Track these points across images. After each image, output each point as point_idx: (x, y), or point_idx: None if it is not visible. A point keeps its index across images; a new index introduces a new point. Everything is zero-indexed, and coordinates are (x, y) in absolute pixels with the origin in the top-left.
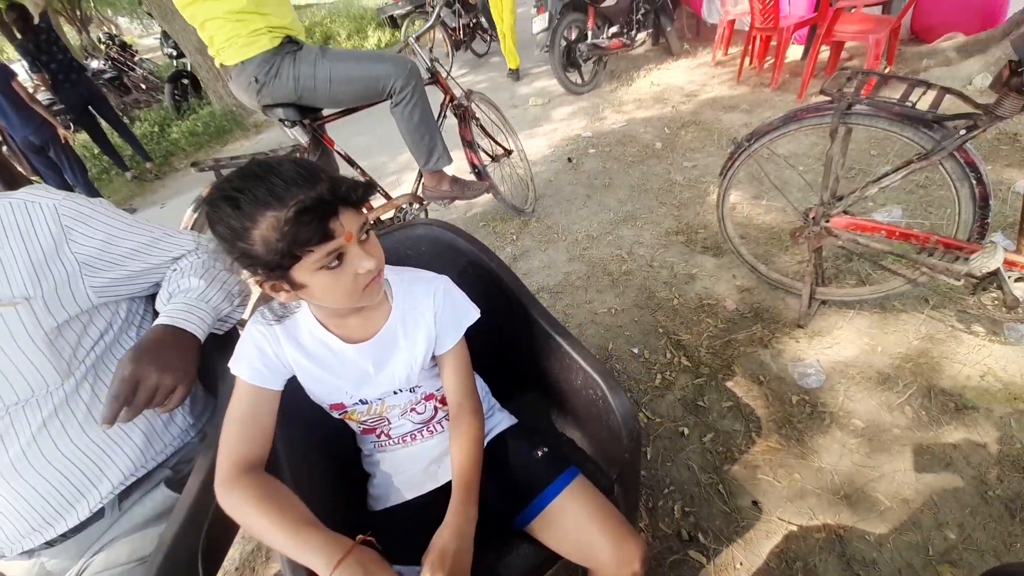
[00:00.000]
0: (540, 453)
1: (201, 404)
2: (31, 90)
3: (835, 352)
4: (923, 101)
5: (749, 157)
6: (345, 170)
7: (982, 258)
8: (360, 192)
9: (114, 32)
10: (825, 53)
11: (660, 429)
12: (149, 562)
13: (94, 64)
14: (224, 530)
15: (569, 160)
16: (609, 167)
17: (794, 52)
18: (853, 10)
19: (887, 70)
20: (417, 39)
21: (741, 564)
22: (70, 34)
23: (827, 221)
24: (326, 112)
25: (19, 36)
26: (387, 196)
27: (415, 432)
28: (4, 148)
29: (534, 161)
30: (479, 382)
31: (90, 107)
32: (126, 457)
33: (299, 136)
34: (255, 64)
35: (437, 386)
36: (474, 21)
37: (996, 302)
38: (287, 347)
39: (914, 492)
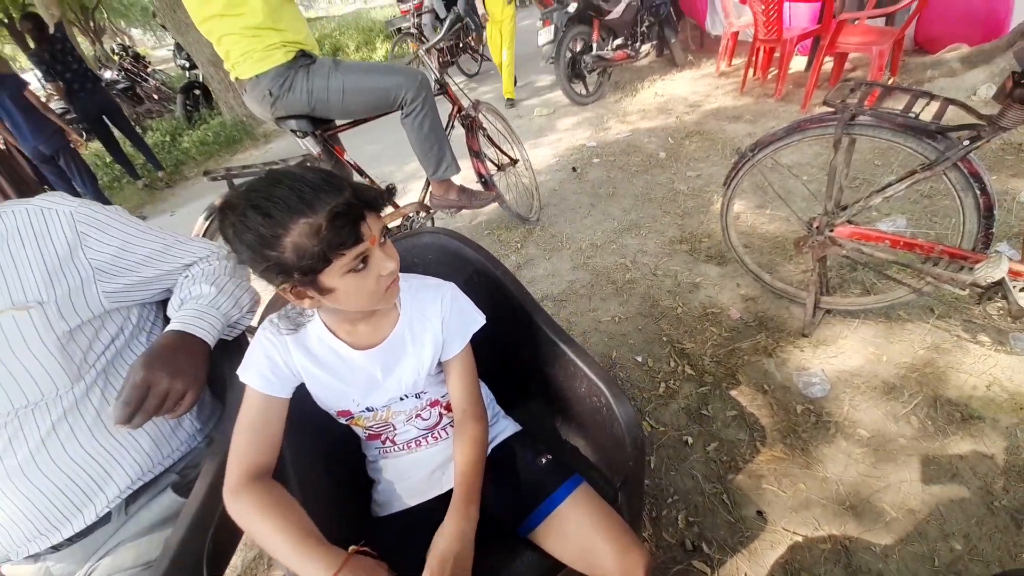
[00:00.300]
0: (544, 460)
1: (209, 409)
2: (44, 99)
3: (840, 361)
4: (927, 112)
5: (753, 167)
6: (355, 179)
7: (987, 268)
8: (382, 197)
9: (127, 43)
10: (829, 64)
11: (664, 438)
12: (155, 567)
13: (107, 74)
14: (229, 535)
15: (574, 169)
16: (613, 176)
17: (798, 63)
18: (856, 22)
19: (891, 81)
20: (427, 51)
21: (746, 575)
22: (84, 45)
23: (831, 231)
24: (337, 123)
25: (33, 45)
26: (395, 204)
27: (420, 438)
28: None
29: (539, 170)
30: (484, 389)
31: (104, 116)
32: (133, 461)
33: (311, 146)
34: (269, 78)
35: (442, 392)
36: (463, 41)
37: (1001, 312)
38: (296, 355)
39: (920, 503)
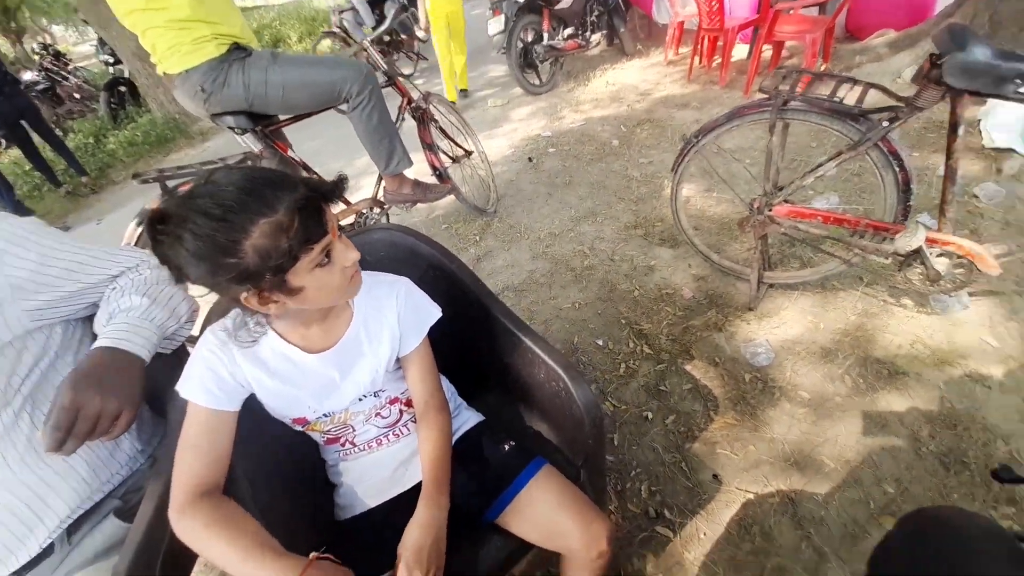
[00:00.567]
0: (507, 447)
1: (149, 428)
2: None
3: (782, 331)
4: (851, 96)
5: (698, 153)
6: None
7: (906, 237)
8: (337, 188)
9: (48, 41)
10: (769, 52)
11: (626, 415)
12: None
13: (27, 76)
14: (182, 559)
15: (530, 160)
16: (569, 165)
17: (740, 51)
18: (791, 11)
19: (823, 67)
20: (372, 42)
21: (705, 534)
22: (4, 46)
23: (770, 210)
24: (280, 118)
25: None
26: (346, 201)
27: (380, 437)
28: None
29: (495, 161)
30: (445, 383)
31: (22, 121)
32: (71, 489)
33: (251, 143)
34: (201, 72)
35: (402, 389)
36: (401, 38)
37: (921, 277)
38: (245, 366)
39: (855, 453)
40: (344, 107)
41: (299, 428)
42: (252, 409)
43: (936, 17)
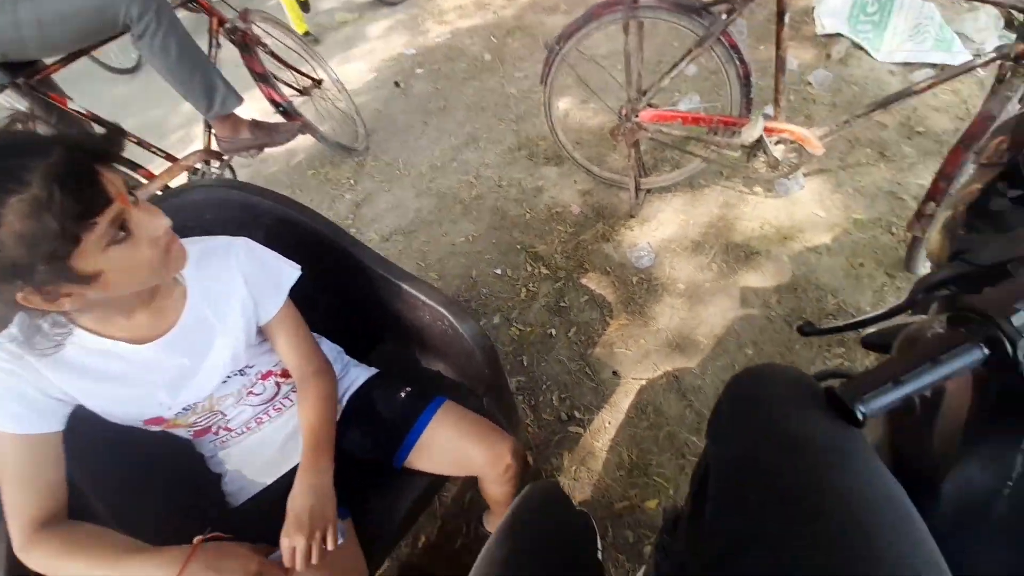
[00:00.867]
0: (403, 394)
1: None
2: None
3: (660, 232)
4: None
5: (564, 62)
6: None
7: (748, 129)
8: (112, 142)
9: None
10: None
11: (532, 336)
12: None
13: None
14: None
15: (396, 84)
16: (442, 88)
17: None
18: None
19: None
20: None
21: (609, 423)
22: None
23: (636, 116)
24: (47, 62)
25: None
26: (170, 158)
27: (259, 416)
28: None
29: (357, 90)
30: (327, 344)
31: None
32: None
33: (14, 102)
34: None
35: (274, 361)
36: None
37: (764, 164)
38: (55, 376)
39: (722, 328)
40: (129, 38)
41: (156, 429)
42: (87, 421)
43: None
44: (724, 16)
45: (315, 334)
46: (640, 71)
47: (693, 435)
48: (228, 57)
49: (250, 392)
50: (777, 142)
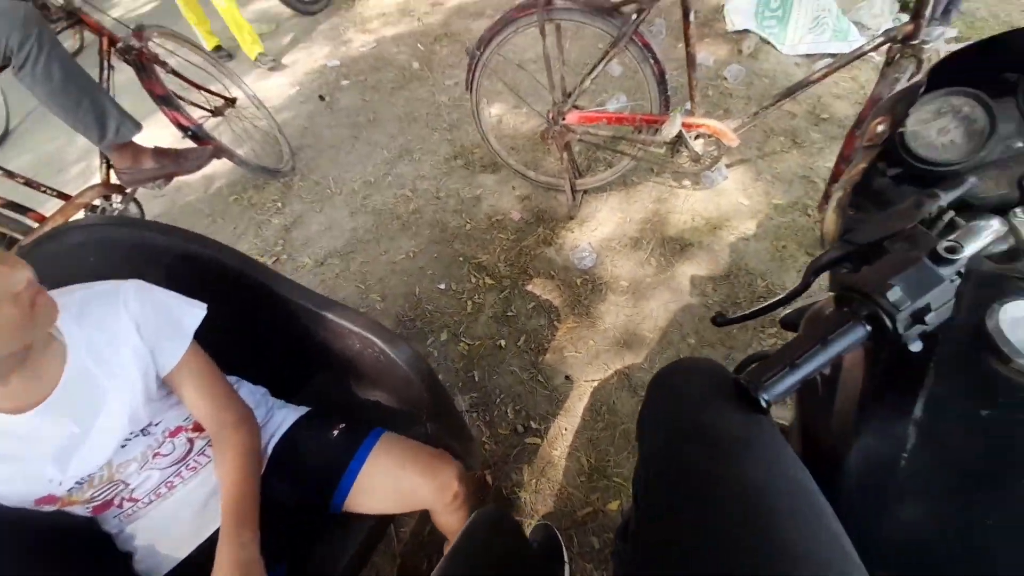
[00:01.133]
0: (336, 432)
1: None
2: None
3: (600, 232)
4: None
5: (486, 67)
6: None
7: (667, 126)
8: None
9: None
10: None
11: (481, 350)
12: None
13: None
14: None
15: (321, 98)
16: (370, 100)
17: None
18: None
19: None
20: None
21: (566, 429)
22: None
23: (563, 119)
24: None
25: None
26: (63, 196)
27: (169, 480)
28: None
29: (279, 106)
30: (247, 388)
31: None
32: None
33: None
34: None
35: (183, 415)
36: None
37: (688, 159)
38: None
39: (665, 321)
40: (9, 71)
41: (48, 509)
42: None
43: None
44: (635, 16)
45: (233, 378)
46: (563, 74)
47: None
48: (127, 80)
49: (157, 454)
50: (696, 136)
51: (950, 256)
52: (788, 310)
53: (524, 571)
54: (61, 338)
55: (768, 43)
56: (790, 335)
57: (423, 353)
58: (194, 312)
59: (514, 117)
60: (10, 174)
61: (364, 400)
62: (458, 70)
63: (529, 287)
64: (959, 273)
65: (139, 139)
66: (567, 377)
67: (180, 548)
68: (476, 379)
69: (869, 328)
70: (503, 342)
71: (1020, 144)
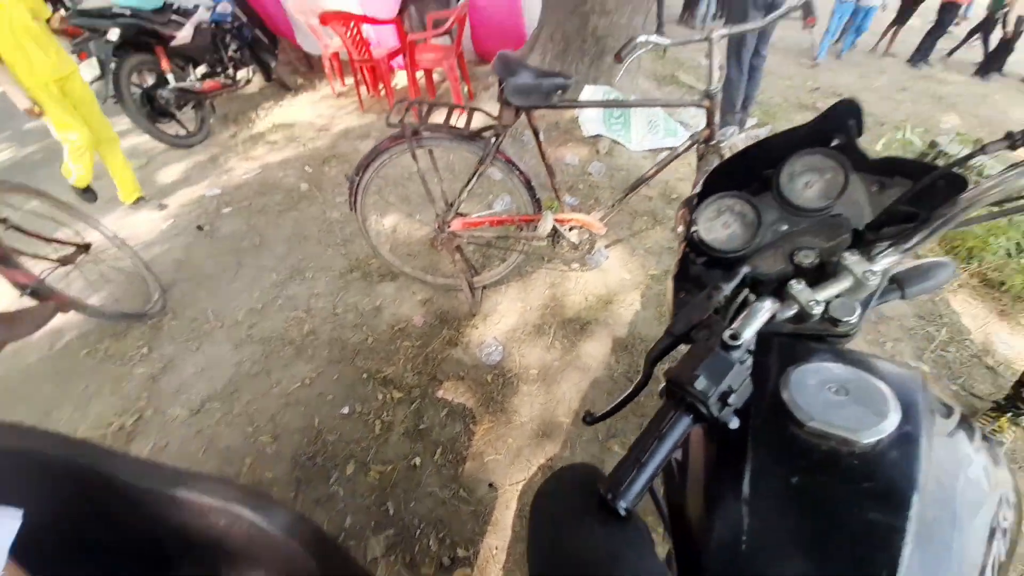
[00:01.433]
0: None
1: None
2: None
3: (503, 324)
4: (465, 119)
5: (367, 189)
6: None
7: (542, 224)
8: None
9: None
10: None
11: (395, 475)
12: None
13: None
14: None
15: (200, 228)
16: (255, 223)
17: (403, 77)
18: (424, 41)
19: (466, 89)
20: None
21: (496, 548)
22: None
23: (449, 227)
24: None
25: None
26: None
27: None
28: None
29: (150, 241)
30: None
31: None
32: None
33: None
34: None
35: None
36: None
37: (568, 248)
38: None
39: (578, 402)
40: None
41: None
42: None
43: (530, 38)
44: (493, 139)
45: None
46: (443, 188)
47: None
48: None
49: None
50: (571, 228)
51: (734, 343)
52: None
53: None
54: None
55: (618, 143)
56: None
57: (324, 496)
58: (5, 524)
59: (408, 225)
60: None
61: None
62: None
63: (440, 393)
64: (750, 351)
65: None
66: (490, 485)
67: None
68: (391, 512)
69: (691, 415)
70: (418, 460)
71: (784, 227)
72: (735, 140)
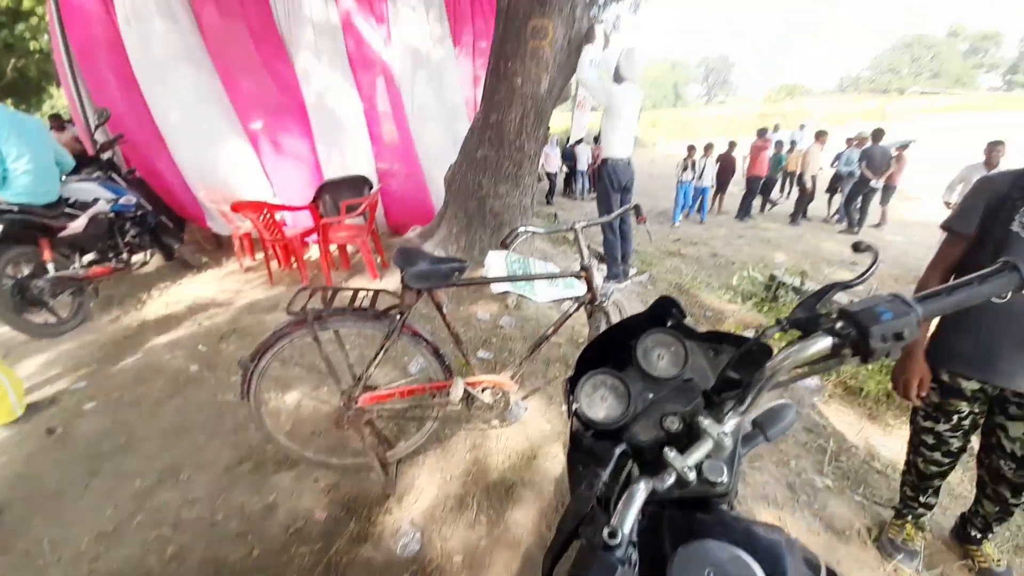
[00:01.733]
0: None
1: None
2: None
3: (421, 502)
4: (371, 299)
5: (263, 375)
6: None
7: (453, 390)
8: None
9: None
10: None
11: None
12: None
13: None
14: None
15: (49, 432)
16: (124, 418)
17: (316, 251)
18: (339, 222)
19: (378, 260)
20: None
21: None
22: None
23: (356, 403)
24: None
25: None
26: None
27: None
28: None
29: None
30: None
31: None
32: None
33: None
34: None
35: None
36: None
37: (484, 408)
38: None
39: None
40: None
41: None
42: None
43: (438, 214)
44: (398, 317)
45: None
46: (348, 362)
47: None
48: None
49: None
50: (483, 390)
51: (613, 541)
52: None
53: None
54: None
55: (524, 297)
56: None
57: None
58: None
59: (312, 401)
60: None
61: None
62: None
63: None
64: (633, 543)
65: None
66: None
67: None
68: None
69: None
70: None
71: (650, 395)
72: (617, 297)
